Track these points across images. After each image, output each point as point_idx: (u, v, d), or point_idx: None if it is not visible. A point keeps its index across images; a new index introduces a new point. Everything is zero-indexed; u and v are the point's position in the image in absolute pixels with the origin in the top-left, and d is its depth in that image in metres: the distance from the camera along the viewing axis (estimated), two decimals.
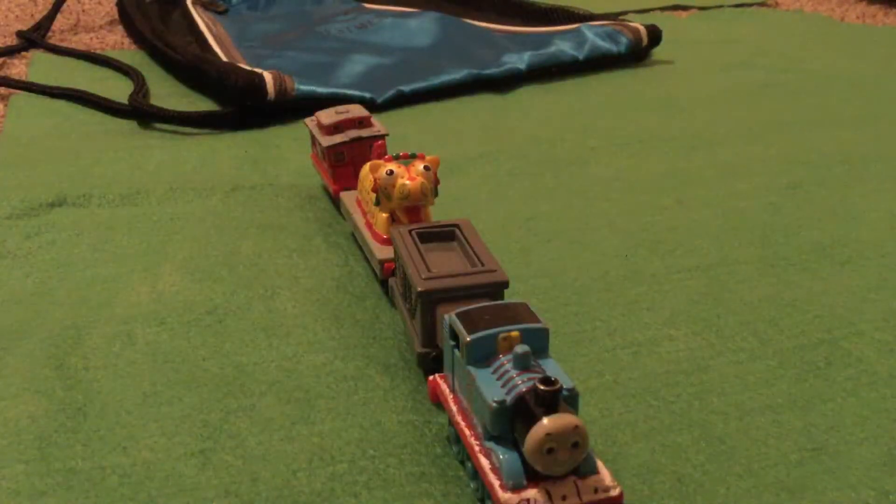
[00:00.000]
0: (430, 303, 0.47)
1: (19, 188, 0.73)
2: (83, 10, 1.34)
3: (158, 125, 0.91)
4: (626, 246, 0.66)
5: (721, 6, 1.42)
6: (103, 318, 0.56)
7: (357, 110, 0.69)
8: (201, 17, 1.18)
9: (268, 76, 0.89)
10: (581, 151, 0.84)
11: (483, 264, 0.48)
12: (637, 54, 1.11)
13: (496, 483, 0.38)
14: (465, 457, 0.43)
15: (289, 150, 0.83)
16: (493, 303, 0.44)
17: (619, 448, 0.46)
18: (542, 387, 0.36)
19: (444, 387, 0.45)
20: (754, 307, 0.58)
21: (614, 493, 0.38)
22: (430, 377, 0.46)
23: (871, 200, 0.73)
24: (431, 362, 0.49)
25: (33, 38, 1.16)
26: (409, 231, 0.52)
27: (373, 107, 0.92)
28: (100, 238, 0.66)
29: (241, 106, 0.91)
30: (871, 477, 0.44)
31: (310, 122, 0.72)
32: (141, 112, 0.91)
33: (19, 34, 1.17)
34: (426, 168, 0.57)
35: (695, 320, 0.57)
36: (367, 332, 0.55)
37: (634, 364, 0.52)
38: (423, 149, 0.60)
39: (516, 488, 0.38)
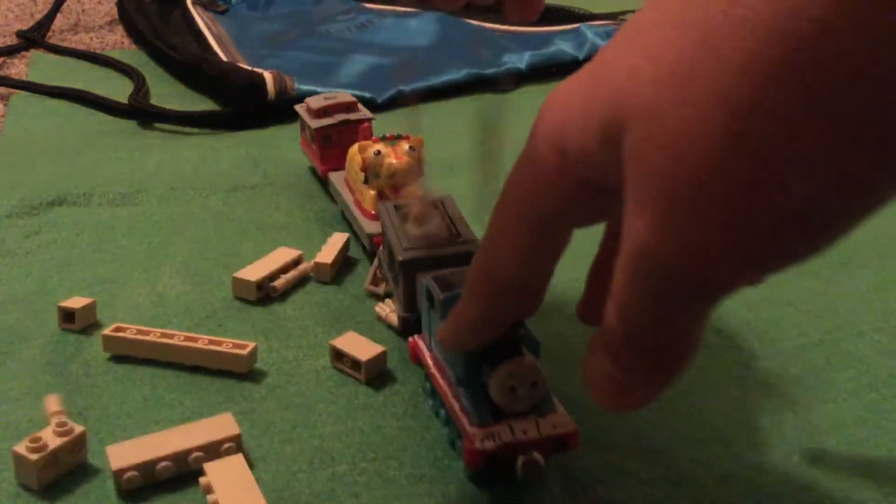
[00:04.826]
0: (410, 271, 0.50)
1: (19, 188, 0.73)
2: (83, 10, 1.34)
3: (158, 125, 0.91)
4: None
5: None
6: (104, 320, 0.56)
7: (344, 97, 0.74)
8: (201, 17, 1.18)
9: (268, 76, 0.89)
10: None
11: (461, 235, 0.52)
12: None
13: (465, 420, 0.42)
14: (440, 405, 0.46)
15: (289, 150, 0.83)
16: (466, 268, 0.45)
17: (619, 449, 0.46)
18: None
19: (423, 345, 0.48)
20: (754, 307, 0.58)
21: (570, 428, 0.42)
22: (411, 338, 0.49)
23: None
24: (413, 326, 0.52)
25: (33, 38, 1.15)
26: (394, 206, 0.55)
27: (373, 107, 0.92)
28: (100, 238, 0.66)
29: (242, 106, 0.91)
30: (873, 479, 0.44)
31: (300, 107, 0.76)
32: (141, 112, 0.91)
33: (19, 34, 1.17)
34: (411, 149, 0.62)
35: None
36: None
37: None
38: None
39: (483, 424, 0.41)
